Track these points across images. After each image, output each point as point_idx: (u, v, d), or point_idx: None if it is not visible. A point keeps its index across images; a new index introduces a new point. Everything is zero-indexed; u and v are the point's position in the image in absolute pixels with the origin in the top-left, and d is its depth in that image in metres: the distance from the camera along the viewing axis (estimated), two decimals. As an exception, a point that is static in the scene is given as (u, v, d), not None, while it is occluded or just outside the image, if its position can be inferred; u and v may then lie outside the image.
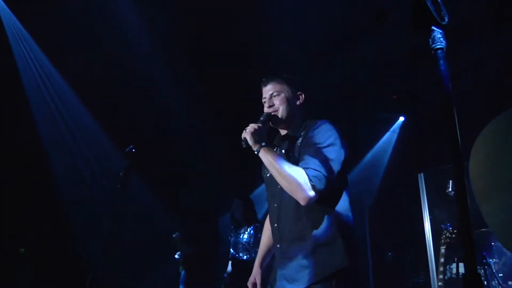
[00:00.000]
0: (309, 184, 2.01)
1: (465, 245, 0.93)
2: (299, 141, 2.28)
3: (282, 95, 2.39)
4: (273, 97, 2.40)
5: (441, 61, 1.00)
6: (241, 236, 5.28)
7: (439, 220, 5.20)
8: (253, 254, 5.19)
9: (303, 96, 2.44)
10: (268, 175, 2.39)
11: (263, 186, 2.62)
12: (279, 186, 2.20)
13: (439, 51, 1.02)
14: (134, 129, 6.15)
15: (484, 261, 4.39)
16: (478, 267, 4.33)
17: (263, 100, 2.45)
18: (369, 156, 7.22)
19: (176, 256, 5.58)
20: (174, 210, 6.42)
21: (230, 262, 5.38)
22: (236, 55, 5.95)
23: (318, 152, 2.11)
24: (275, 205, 2.32)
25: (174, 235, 5.58)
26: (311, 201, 2.04)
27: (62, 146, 6.45)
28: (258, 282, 2.59)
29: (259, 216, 5.70)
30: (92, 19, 5.43)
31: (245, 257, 5.13)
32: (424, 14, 1.03)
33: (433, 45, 1.03)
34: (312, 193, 2.02)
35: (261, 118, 2.32)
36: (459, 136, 0.98)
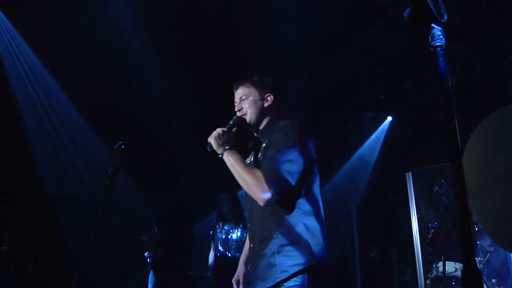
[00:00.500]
0: (265, 186, 2.08)
1: (463, 243, 0.93)
2: (264, 144, 2.33)
3: (250, 98, 2.45)
4: (242, 101, 2.47)
5: (441, 58, 1.00)
6: (232, 235, 5.26)
7: (426, 219, 5.26)
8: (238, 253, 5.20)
9: (271, 97, 2.47)
10: None
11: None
12: None
13: (439, 48, 1.02)
14: (122, 125, 6.09)
15: None
16: (461, 264, 4.38)
17: (235, 103, 2.52)
18: (357, 155, 7.25)
19: (146, 254, 5.53)
20: (157, 208, 6.39)
21: (213, 259, 5.33)
22: (225, 54, 5.93)
23: (277, 154, 2.16)
24: (248, 206, 2.41)
25: (143, 237, 5.53)
26: (269, 202, 2.11)
27: (48, 142, 6.37)
28: (241, 279, 2.66)
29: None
30: (79, 12, 5.36)
31: (237, 254, 5.12)
32: (423, 12, 1.03)
33: (433, 42, 1.03)
34: (268, 194, 2.08)
35: (230, 122, 2.39)
36: (458, 133, 0.98)
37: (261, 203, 2.11)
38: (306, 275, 2.09)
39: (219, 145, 2.28)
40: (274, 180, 2.09)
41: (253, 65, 6.06)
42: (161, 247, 5.43)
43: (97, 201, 5.89)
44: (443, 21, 1.03)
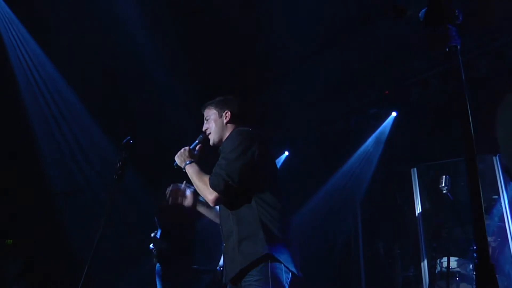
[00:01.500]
0: (209, 189, 2.44)
1: (477, 238, 0.95)
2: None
3: (211, 118, 2.80)
4: (206, 121, 2.83)
5: (457, 58, 1.02)
6: None
7: (431, 214, 5.27)
8: None
9: (228, 113, 2.77)
10: None
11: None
12: None
13: (454, 48, 1.04)
14: (128, 119, 6.12)
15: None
16: (465, 260, 4.39)
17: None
18: (361, 150, 7.26)
19: (151, 246, 5.52)
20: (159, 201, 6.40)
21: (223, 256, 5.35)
22: (229, 53, 5.95)
23: (222, 160, 2.51)
24: (217, 207, 2.78)
25: (152, 234, 5.54)
26: (215, 203, 2.50)
27: (53, 136, 6.39)
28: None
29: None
30: (84, 6, 5.37)
31: None
32: (439, 12, 1.05)
33: (449, 42, 1.05)
34: (212, 196, 2.45)
35: (196, 141, 2.79)
36: (472, 130, 1.00)
37: (210, 204, 2.52)
38: (268, 263, 2.33)
39: (181, 161, 2.68)
40: (216, 183, 2.43)
41: (255, 64, 6.09)
42: (165, 240, 5.43)
43: (103, 195, 5.92)
44: (458, 22, 1.05)
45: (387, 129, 6.91)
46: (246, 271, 2.36)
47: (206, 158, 2.84)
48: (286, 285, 2.38)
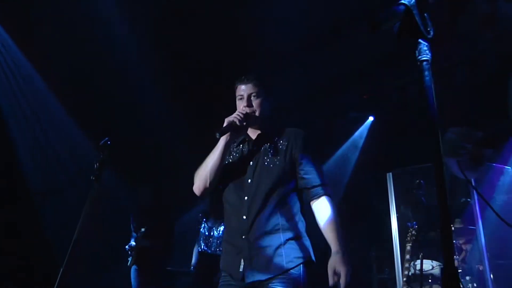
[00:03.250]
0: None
1: (444, 243, 1.00)
2: (284, 145, 2.48)
3: (261, 97, 2.52)
4: (252, 98, 2.52)
5: (426, 72, 1.08)
6: (216, 232, 5.27)
7: (406, 218, 5.38)
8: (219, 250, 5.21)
9: (272, 99, 2.62)
10: (234, 163, 2.56)
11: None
12: (249, 180, 2.41)
13: (424, 62, 1.09)
14: (106, 120, 6.07)
15: None
16: (438, 263, 4.52)
17: (239, 97, 2.56)
18: (338, 154, 7.35)
19: (127, 247, 5.49)
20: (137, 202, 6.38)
21: (195, 256, 5.34)
22: (212, 52, 5.95)
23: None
24: (246, 198, 2.41)
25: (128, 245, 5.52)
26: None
27: (30, 135, 6.29)
28: None
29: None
30: (63, 3, 5.31)
31: (217, 251, 5.14)
32: (411, 27, 1.10)
33: (419, 57, 1.10)
34: (329, 190, 2.46)
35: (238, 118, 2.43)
36: (440, 139, 1.06)
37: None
38: (302, 266, 2.29)
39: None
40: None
41: (238, 64, 6.11)
42: (142, 240, 5.42)
43: (81, 196, 5.85)
44: (429, 36, 1.11)
45: (364, 133, 7.03)
46: (287, 271, 2.26)
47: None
48: None
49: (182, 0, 5.42)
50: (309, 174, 2.43)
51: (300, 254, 2.30)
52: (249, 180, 2.42)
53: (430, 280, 4.76)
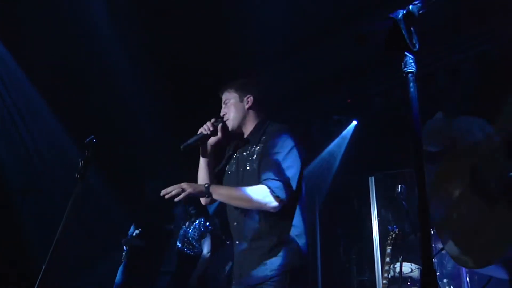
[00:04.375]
0: (271, 197, 2.18)
1: (422, 246, 1.05)
2: (258, 147, 2.43)
3: (231, 101, 2.54)
4: (225, 106, 2.56)
5: (411, 84, 1.12)
6: (189, 230, 5.28)
7: (386, 221, 5.47)
8: (196, 250, 5.20)
9: (251, 98, 2.54)
10: (229, 172, 2.56)
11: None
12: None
13: (410, 74, 1.14)
14: (91, 118, 6.03)
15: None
16: (417, 266, 4.60)
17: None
18: (321, 157, 7.40)
19: (122, 241, 5.51)
20: (130, 201, 6.36)
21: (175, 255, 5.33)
22: (196, 52, 5.96)
23: (278, 161, 2.26)
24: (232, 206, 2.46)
25: (123, 240, 5.51)
26: (278, 209, 2.22)
27: (8, 132, 6.20)
28: None
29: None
30: (50, 3, 5.27)
31: (189, 251, 5.18)
32: (398, 40, 1.15)
33: (405, 69, 1.15)
34: (275, 203, 2.19)
35: (216, 123, 2.48)
36: (422, 149, 1.11)
37: (273, 210, 2.22)
38: (288, 273, 2.23)
39: (199, 191, 2.29)
40: (281, 189, 2.20)
41: (221, 64, 6.13)
42: (139, 239, 5.42)
43: (63, 194, 5.79)
44: (415, 50, 1.16)
45: (348, 137, 7.10)
46: (271, 278, 2.23)
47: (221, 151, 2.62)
48: None
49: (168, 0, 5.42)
50: (263, 169, 2.30)
51: (284, 262, 2.24)
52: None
53: (409, 283, 4.85)
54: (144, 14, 5.54)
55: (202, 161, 2.56)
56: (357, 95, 6.74)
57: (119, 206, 6.05)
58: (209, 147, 2.54)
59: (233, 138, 2.62)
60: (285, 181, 2.22)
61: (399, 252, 4.61)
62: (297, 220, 2.34)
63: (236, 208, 2.41)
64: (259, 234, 2.32)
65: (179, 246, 5.26)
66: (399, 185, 4.34)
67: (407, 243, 4.82)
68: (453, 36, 5.38)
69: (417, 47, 1.16)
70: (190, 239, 5.22)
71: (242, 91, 2.56)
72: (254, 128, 2.52)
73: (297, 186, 2.31)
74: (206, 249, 5.19)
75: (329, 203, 6.80)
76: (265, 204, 2.19)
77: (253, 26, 5.28)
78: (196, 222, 5.26)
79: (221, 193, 2.32)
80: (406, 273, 4.77)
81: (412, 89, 1.12)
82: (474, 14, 4.77)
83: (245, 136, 2.55)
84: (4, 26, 5.49)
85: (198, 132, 2.46)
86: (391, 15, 1.16)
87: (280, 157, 2.28)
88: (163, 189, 2.28)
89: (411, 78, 1.14)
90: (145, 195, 5.81)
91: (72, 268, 5.68)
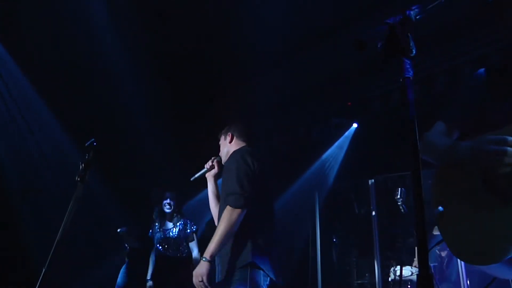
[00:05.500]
0: (230, 209, 2.67)
1: (419, 248, 1.06)
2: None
3: (221, 142, 3.24)
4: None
5: (409, 89, 1.14)
6: (171, 232, 5.20)
7: (387, 225, 5.47)
8: (183, 252, 5.15)
9: (230, 135, 3.19)
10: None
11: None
12: (215, 201, 3.17)
13: (407, 79, 1.16)
14: (92, 121, 6.05)
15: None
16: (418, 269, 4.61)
17: None
18: (321, 159, 7.41)
19: (126, 245, 5.50)
20: (126, 202, 6.36)
21: (153, 261, 5.21)
22: (195, 56, 5.99)
23: (230, 177, 2.79)
24: (218, 213, 3.02)
25: (119, 230, 5.48)
26: (242, 215, 2.68)
27: (9, 133, 6.22)
28: None
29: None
30: (50, 4, 5.29)
31: (176, 253, 5.12)
32: (395, 46, 1.16)
33: (403, 74, 1.16)
34: (236, 214, 2.67)
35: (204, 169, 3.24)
36: (419, 153, 1.12)
37: (237, 220, 2.67)
38: (248, 269, 2.64)
39: (206, 271, 2.64)
40: (236, 201, 2.67)
41: (221, 68, 6.15)
42: (137, 240, 5.41)
43: (62, 195, 5.80)
44: (412, 55, 1.17)
45: (348, 140, 7.11)
46: (232, 272, 2.67)
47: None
48: (263, 287, 2.70)
49: (168, 1, 5.44)
50: (223, 187, 2.89)
51: (240, 259, 2.67)
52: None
53: (409, 286, 4.84)
54: (144, 15, 5.57)
55: (209, 189, 3.25)
56: (358, 98, 6.75)
57: (119, 208, 6.05)
58: (211, 178, 3.24)
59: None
60: (237, 191, 2.69)
61: (399, 255, 4.61)
62: (255, 224, 2.77)
63: (218, 217, 2.89)
64: None
65: (160, 249, 5.15)
66: (399, 189, 4.36)
67: (407, 246, 4.83)
68: (453, 40, 5.40)
69: (414, 52, 1.17)
70: (176, 240, 5.14)
71: (226, 131, 3.22)
72: (228, 159, 3.08)
73: (249, 197, 2.71)
74: (196, 250, 5.15)
75: (329, 206, 6.80)
76: (232, 219, 2.65)
77: (253, 28, 5.29)
78: (180, 223, 5.20)
79: (211, 249, 2.66)
80: (406, 276, 4.77)
81: (409, 94, 1.13)
82: (474, 17, 4.80)
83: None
84: (4, 26, 5.52)
85: (204, 167, 3.23)
86: (387, 21, 1.18)
87: (230, 173, 2.82)
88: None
89: (408, 83, 1.15)
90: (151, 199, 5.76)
91: (72, 270, 5.69)
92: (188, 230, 5.19)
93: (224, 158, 3.16)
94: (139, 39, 5.87)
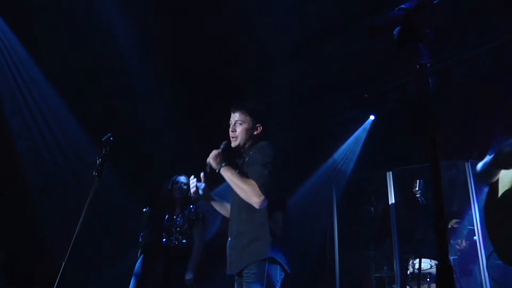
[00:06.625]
0: (257, 191, 2.65)
1: (438, 240, 1.03)
2: (247, 158, 2.91)
3: (244, 125, 2.98)
4: (236, 125, 3.00)
5: (426, 75, 1.10)
6: (176, 220, 4.90)
7: (405, 218, 5.40)
8: (184, 240, 4.82)
9: (261, 128, 3.02)
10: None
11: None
12: (233, 191, 2.87)
13: (424, 66, 1.12)
14: (108, 117, 6.10)
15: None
16: (436, 262, 4.56)
17: (230, 122, 3.05)
18: (339, 152, 7.38)
19: (140, 235, 5.37)
20: (143, 196, 6.39)
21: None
22: (210, 52, 5.99)
23: (261, 167, 2.73)
24: (231, 206, 3.01)
25: (144, 210, 5.32)
26: (263, 204, 2.68)
27: (29, 130, 6.31)
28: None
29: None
30: (68, 4, 5.35)
31: (176, 242, 4.81)
32: (411, 32, 1.13)
33: (420, 61, 1.13)
34: (260, 198, 2.65)
35: (221, 147, 2.97)
36: (437, 142, 1.09)
37: (257, 206, 2.67)
38: (266, 263, 2.65)
39: (217, 164, 2.85)
40: (266, 188, 2.65)
41: (235, 64, 6.14)
42: (151, 233, 5.35)
43: (80, 191, 5.88)
44: (428, 41, 1.13)
45: (365, 132, 7.05)
46: (248, 265, 2.69)
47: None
48: (278, 282, 2.71)
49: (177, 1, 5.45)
50: (253, 174, 2.77)
51: (259, 253, 2.67)
52: (233, 192, 2.88)
53: (428, 279, 4.78)
54: (162, 16, 5.59)
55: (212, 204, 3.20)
56: (374, 90, 6.69)
57: (136, 203, 6.08)
58: (203, 193, 3.08)
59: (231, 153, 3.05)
60: (267, 183, 2.66)
61: (418, 248, 4.56)
62: (274, 220, 2.76)
63: (232, 209, 2.94)
64: (240, 231, 2.82)
65: (164, 239, 4.83)
66: (417, 181, 4.31)
67: (426, 239, 4.77)
68: (469, 30, 5.31)
69: (431, 37, 1.14)
70: (180, 228, 4.82)
71: (255, 118, 3.01)
72: (247, 147, 3.00)
73: (275, 191, 2.72)
74: (198, 238, 4.82)
75: (346, 199, 6.75)
76: (253, 195, 2.66)
77: (269, 23, 5.28)
78: (187, 210, 4.88)
79: (226, 174, 2.80)
80: (425, 270, 4.71)
81: (427, 81, 1.10)
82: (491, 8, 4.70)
83: (241, 151, 3.04)
84: (23, 28, 5.61)
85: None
86: (403, 6, 1.14)
87: (262, 165, 2.74)
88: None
89: (425, 70, 1.12)
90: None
91: (91, 264, 5.76)
92: (193, 217, 4.88)
93: (240, 144, 3.00)
94: (155, 38, 5.89)
